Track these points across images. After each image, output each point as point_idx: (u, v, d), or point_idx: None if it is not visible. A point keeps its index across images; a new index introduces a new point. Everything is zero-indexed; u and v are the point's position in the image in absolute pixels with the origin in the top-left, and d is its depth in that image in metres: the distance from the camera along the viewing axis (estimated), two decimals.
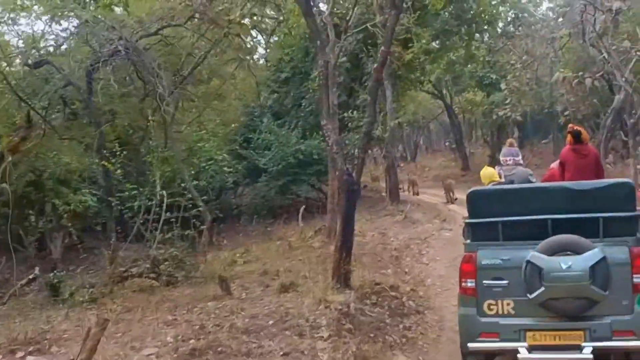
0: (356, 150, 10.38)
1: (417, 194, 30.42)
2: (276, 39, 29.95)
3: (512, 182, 8.43)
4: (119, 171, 15.26)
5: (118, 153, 15.42)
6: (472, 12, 26.52)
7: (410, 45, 23.83)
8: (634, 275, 6.12)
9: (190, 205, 14.94)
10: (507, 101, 28.80)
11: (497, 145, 38.17)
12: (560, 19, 26.28)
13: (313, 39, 11.99)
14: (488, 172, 9.37)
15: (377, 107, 14.21)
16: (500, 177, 8.94)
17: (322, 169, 24.38)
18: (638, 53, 17.34)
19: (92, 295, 12.13)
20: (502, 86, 28.52)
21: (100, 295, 12.23)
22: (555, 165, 9.24)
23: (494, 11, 29.84)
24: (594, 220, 6.25)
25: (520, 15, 35.13)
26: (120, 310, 10.83)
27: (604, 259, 5.99)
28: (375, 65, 11.26)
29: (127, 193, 14.71)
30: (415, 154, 51.56)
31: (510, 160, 8.98)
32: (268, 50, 32.19)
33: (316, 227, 19.15)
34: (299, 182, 25.07)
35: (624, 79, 18.88)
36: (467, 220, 6.96)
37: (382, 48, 10.71)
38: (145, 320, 9.86)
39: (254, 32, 33.10)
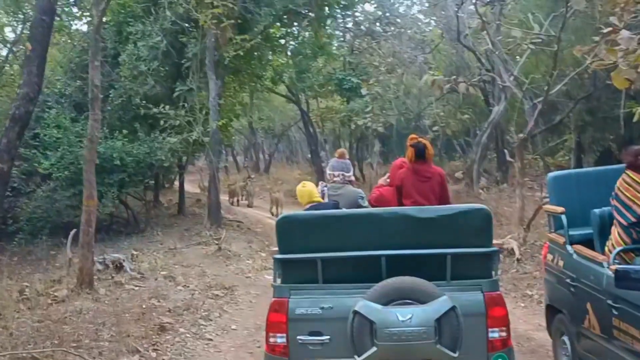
0: None
1: (251, 205, 28.76)
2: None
3: (336, 205, 6.96)
4: None
5: None
6: None
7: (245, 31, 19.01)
8: (490, 329, 5.04)
9: None
10: (368, 109, 24.78)
11: (357, 160, 34.41)
12: (431, 9, 22.16)
13: None
14: (306, 190, 7.16)
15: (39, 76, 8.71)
16: (322, 196, 7.32)
17: (126, 178, 19.25)
18: (531, 45, 12.88)
19: None
20: (363, 91, 24.24)
21: None
22: (383, 181, 7.82)
23: None
24: (440, 258, 5.11)
25: (388, 14, 31.02)
26: None
27: (453, 309, 4.78)
28: None
29: None
30: (269, 164, 46.53)
31: (338, 175, 7.76)
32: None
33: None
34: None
35: (512, 77, 14.51)
36: (277, 256, 5.40)
37: None
38: None
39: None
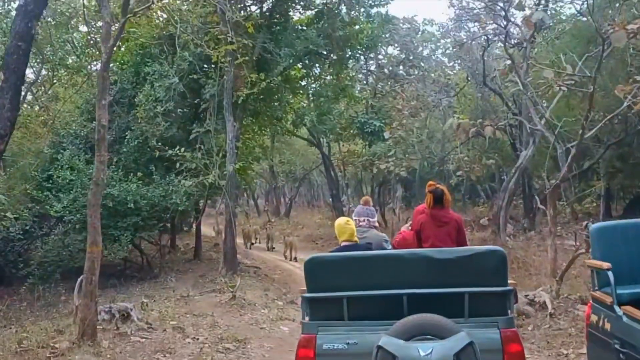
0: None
1: (271, 249, 28.57)
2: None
3: (369, 247, 7.04)
4: None
5: None
6: (343, 31, 20.84)
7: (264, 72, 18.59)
8: None
9: None
10: (391, 153, 24.22)
11: (379, 205, 33.65)
12: (456, 50, 21.60)
13: None
14: (349, 227, 6.98)
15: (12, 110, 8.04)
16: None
17: (140, 222, 18.64)
18: (563, 88, 12.17)
19: None
20: (386, 135, 23.65)
21: None
22: (406, 228, 8.62)
23: (374, 33, 24.70)
24: (459, 296, 5.34)
25: (411, 57, 30.58)
26: None
27: (470, 344, 4.95)
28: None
29: None
30: (289, 208, 45.89)
31: (364, 221, 8.02)
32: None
33: (99, 308, 12.83)
34: (109, 238, 18.56)
35: (543, 121, 13.80)
36: (305, 295, 5.72)
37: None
38: None
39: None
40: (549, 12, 15.92)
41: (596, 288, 6.64)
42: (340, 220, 7.19)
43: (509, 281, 5.64)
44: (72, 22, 24.89)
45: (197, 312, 14.08)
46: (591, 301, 6.75)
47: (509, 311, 5.47)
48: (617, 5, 17.13)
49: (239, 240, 25.18)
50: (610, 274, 6.11)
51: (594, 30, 13.23)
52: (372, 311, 5.58)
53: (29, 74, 29.17)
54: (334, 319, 5.60)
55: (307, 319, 5.75)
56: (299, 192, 53.77)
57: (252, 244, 29.53)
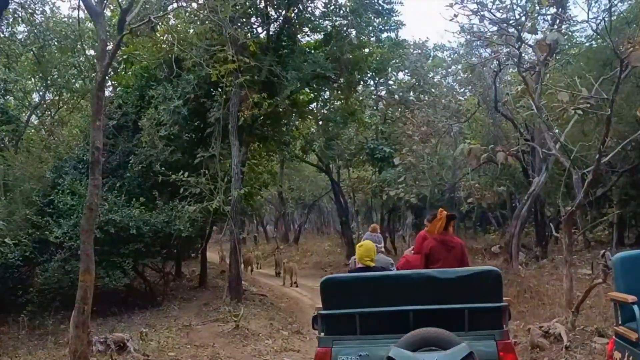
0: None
1: (278, 275, 28.61)
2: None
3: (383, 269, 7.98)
4: None
5: None
6: (352, 54, 20.40)
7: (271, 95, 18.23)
8: None
9: None
10: (401, 180, 23.75)
11: (388, 232, 33.19)
12: (467, 75, 21.22)
13: None
14: (359, 252, 7.87)
15: None
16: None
17: (142, 248, 18.22)
18: (578, 112, 11.72)
19: None
20: (396, 161, 23.20)
21: None
22: (409, 252, 9.05)
23: (383, 57, 24.41)
24: (459, 312, 5.90)
25: (422, 82, 30.17)
26: None
27: (470, 354, 5.42)
28: None
29: None
30: (298, 235, 45.36)
31: None
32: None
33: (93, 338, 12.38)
34: (111, 265, 18.11)
35: (557, 145, 13.31)
36: (321, 312, 6.31)
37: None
38: None
39: None
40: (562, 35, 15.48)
41: (619, 323, 6.15)
42: (357, 245, 8.20)
43: (504, 298, 6.14)
44: (78, 45, 24.67)
45: (198, 342, 13.66)
46: (614, 337, 6.27)
47: (504, 325, 6.00)
48: (635, 25, 16.81)
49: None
50: (635, 307, 5.68)
51: (610, 52, 12.82)
52: (382, 326, 6.08)
53: (35, 97, 29.13)
54: (347, 333, 6.10)
55: (322, 334, 6.27)
56: (309, 218, 53.31)
57: (250, 270, 29.29)
